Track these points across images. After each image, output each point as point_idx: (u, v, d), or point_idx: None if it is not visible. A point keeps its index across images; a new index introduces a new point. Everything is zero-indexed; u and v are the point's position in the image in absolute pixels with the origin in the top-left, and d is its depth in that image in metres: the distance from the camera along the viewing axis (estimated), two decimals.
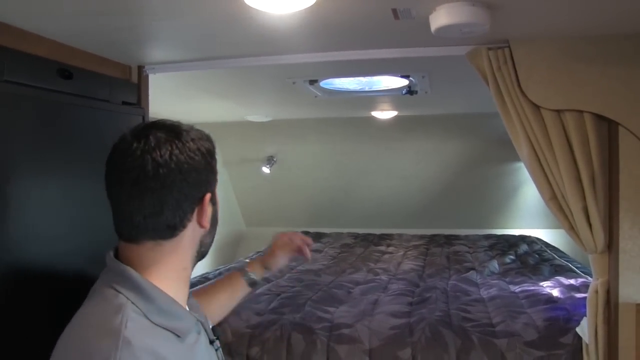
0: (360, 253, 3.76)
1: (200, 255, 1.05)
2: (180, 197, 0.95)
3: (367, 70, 2.25)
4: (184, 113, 3.88)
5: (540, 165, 1.62)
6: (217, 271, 3.06)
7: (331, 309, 2.10)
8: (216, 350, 1.09)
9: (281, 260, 1.63)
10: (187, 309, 1.05)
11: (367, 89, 2.70)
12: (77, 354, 0.85)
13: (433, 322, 1.87)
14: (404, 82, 2.46)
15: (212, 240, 1.07)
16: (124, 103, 1.87)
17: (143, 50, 1.86)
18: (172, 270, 0.99)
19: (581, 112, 1.57)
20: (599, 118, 1.58)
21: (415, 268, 3.03)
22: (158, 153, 0.93)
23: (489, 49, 1.62)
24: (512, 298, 2.20)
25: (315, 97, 2.82)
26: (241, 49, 1.85)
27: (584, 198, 1.57)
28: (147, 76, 2.01)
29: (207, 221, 1.00)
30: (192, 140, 0.97)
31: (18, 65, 1.41)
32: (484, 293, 2.33)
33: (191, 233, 0.99)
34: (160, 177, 0.93)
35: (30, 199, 1.42)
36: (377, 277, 2.76)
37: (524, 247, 3.70)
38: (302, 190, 5.26)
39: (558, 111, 1.58)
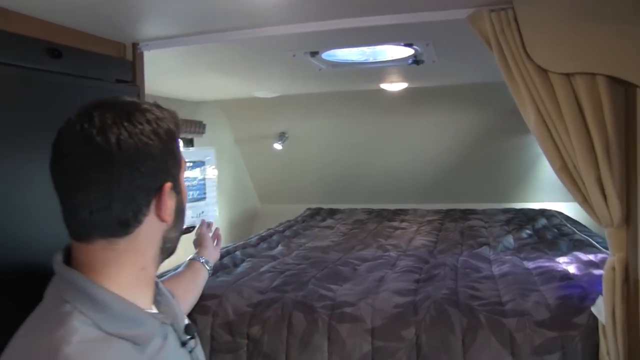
0: (373, 229, 3.69)
1: (166, 252, 0.95)
2: (131, 188, 0.83)
3: (368, 39, 2.15)
4: (190, 91, 3.86)
5: (550, 133, 1.51)
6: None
7: (334, 287, 2.04)
8: (190, 352, 0.98)
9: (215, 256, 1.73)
10: (154, 310, 0.97)
11: (371, 59, 2.60)
12: None
13: (439, 300, 1.80)
14: (410, 51, 2.37)
15: (180, 233, 0.97)
16: (118, 81, 1.82)
17: (136, 27, 1.80)
18: (129, 272, 0.88)
19: (593, 75, 1.44)
20: (613, 81, 1.45)
21: (427, 244, 2.95)
22: (103, 137, 0.81)
23: (491, 10, 1.51)
24: (524, 275, 2.11)
25: (319, 70, 2.73)
26: (236, 21, 1.77)
27: (597, 167, 1.45)
28: (141, 53, 1.96)
29: (168, 214, 0.89)
30: (148, 121, 0.85)
31: (3, 46, 1.37)
32: (496, 270, 2.24)
33: (149, 228, 0.88)
34: (105, 166, 0.81)
35: (19, 182, 1.39)
36: (386, 253, 2.69)
37: (542, 222, 3.57)
38: (315, 166, 5.21)
39: (567, 75, 1.45)
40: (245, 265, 2.51)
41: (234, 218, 5.34)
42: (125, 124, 0.83)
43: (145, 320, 0.88)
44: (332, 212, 4.72)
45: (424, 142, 4.73)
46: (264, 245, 3.13)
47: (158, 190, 0.87)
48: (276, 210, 5.45)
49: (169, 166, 0.89)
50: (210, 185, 2.35)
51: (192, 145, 4.49)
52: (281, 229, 3.80)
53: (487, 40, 1.56)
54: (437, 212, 4.37)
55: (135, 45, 1.92)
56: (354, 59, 2.62)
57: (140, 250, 0.89)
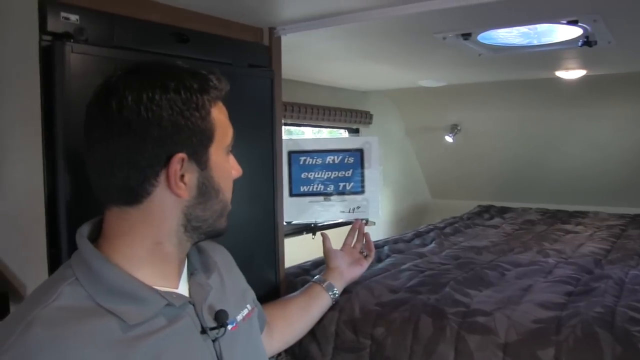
0: (541, 231, 3.36)
1: (197, 231, 0.90)
2: (133, 155, 0.80)
3: (521, 17, 1.91)
4: (355, 80, 3.84)
5: None
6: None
7: (473, 292, 1.86)
8: (214, 340, 0.91)
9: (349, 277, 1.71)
10: (180, 290, 0.92)
11: (535, 42, 2.33)
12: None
13: (589, 319, 1.52)
14: (579, 31, 2.07)
15: (214, 214, 0.90)
16: (250, 65, 1.82)
17: (272, 10, 1.77)
18: (141, 245, 0.85)
19: None
20: None
21: (597, 252, 2.59)
22: (106, 99, 0.81)
23: None
24: None
25: (480, 55, 2.52)
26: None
27: None
28: (279, 38, 1.94)
29: (182, 189, 0.84)
30: (164, 88, 0.81)
31: (128, 31, 1.40)
32: None
33: (162, 201, 0.84)
34: (106, 129, 0.80)
35: None
36: (545, 259, 2.40)
37: None
38: (488, 161, 4.93)
39: None
40: (388, 260, 2.41)
41: (403, 212, 5.26)
42: (135, 88, 0.81)
43: (145, 298, 0.84)
44: (502, 211, 4.43)
45: (612, 137, 4.21)
46: (417, 241, 3.00)
47: (167, 161, 0.83)
48: (448, 206, 5.27)
49: (183, 136, 0.83)
50: (370, 178, 2.11)
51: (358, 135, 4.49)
52: (442, 225, 3.62)
53: None
54: (621, 216, 3.86)
55: (272, 30, 1.91)
56: (515, 42, 2.36)
57: (153, 223, 0.86)
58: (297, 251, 2.38)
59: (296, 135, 4.08)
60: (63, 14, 1.23)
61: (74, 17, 1.24)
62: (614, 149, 4.26)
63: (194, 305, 0.92)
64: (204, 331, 0.92)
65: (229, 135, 0.93)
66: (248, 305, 1.13)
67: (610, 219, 3.78)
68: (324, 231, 1.82)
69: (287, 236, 2.02)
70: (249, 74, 1.79)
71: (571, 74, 3.12)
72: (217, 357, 0.93)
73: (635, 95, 3.75)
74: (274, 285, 1.86)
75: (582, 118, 4.20)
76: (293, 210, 2.01)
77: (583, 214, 4.08)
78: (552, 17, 1.92)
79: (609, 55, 2.58)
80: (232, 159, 0.97)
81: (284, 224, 1.97)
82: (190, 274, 0.99)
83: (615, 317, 1.55)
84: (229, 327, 0.97)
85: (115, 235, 0.86)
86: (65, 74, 1.21)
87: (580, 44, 2.19)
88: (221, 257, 1.16)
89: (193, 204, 0.88)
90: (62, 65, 1.20)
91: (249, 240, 1.75)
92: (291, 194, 2.03)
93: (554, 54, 2.58)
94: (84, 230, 0.88)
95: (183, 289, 0.94)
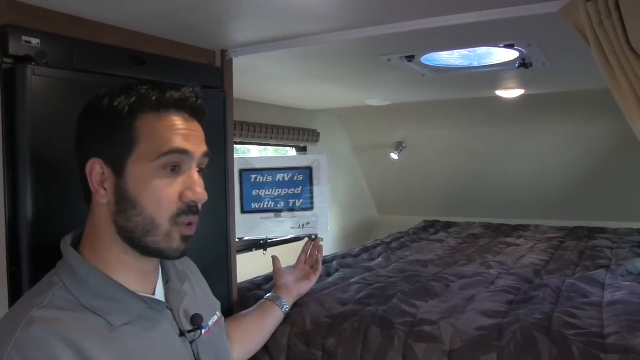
0: (484, 244, 3.47)
1: (132, 242, 0.90)
2: (79, 147, 0.91)
3: (461, 41, 2.02)
4: (303, 99, 3.89)
5: None
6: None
7: (419, 303, 1.92)
8: (191, 342, 0.97)
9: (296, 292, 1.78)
10: (157, 295, 0.96)
11: (475, 64, 2.45)
12: None
13: (527, 325, 1.61)
14: (515, 53, 2.19)
15: (138, 227, 0.89)
16: (204, 87, 1.84)
17: (225, 33, 1.82)
18: (101, 248, 0.90)
19: None
20: None
21: (537, 263, 2.71)
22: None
23: (587, 0, 1.34)
24: None
25: (423, 76, 2.62)
26: (322, 24, 1.73)
27: None
28: (230, 60, 1.99)
29: (100, 194, 0.88)
30: (113, 94, 0.89)
31: (87, 54, 1.44)
32: (607, 296, 1.97)
33: (96, 205, 0.90)
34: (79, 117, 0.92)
35: None
36: (488, 270, 2.50)
37: None
38: (434, 177, 5.05)
39: None
40: (337, 275, 2.45)
41: (350, 228, 5.32)
42: (105, 91, 0.90)
43: (126, 301, 0.88)
44: (447, 225, 4.54)
45: (551, 153, 4.40)
46: (365, 256, 3.06)
47: (85, 161, 0.89)
48: (394, 222, 5.35)
49: (106, 141, 0.87)
50: (319, 195, 2.16)
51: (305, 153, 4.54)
52: (388, 240, 3.70)
53: (582, 34, 1.38)
54: (560, 229, 4.03)
55: (224, 52, 1.95)
56: (456, 63, 2.48)
57: (97, 226, 0.91)
58: (248, 267, 2.40)
59: (242, 153, 4.10)
60: (24, 38, 1.25)
61: (35, 41, 1.27)
62: (553, 164, 4.45)
63: (171, 310, 0.97)
64: (181, 334, 0.97)
65: (164, 149, 0.90)
66: (217, 313, 1.19)
67: (550, 232, 3.94)
68: (274, 254, 1.90)
69: (238, 252, 2.05)
70: (202, 95, 1.82)
71: (510, 93, 3.27)
72: (195, 358, 0.99)
73: (571, 113, 3.94)
74: (226, 300, 1.88)
75: (522, 135, 4.38)
76: (245, 226, 2.04)
77: (525, 227, 4.23)
78: (490, 41, 2.03)
79: (545, 76, 2.72)
80: (189, 179, 0.93)
81: (236, 240, 1.99)
82: (166, 282, 1.03)
83: (552, 323, 1.65)
84: (203, 331, 1.02)
85: (87, 237, 0.92)
86: (27, 96, 1.23)
87: (517, 65, 2.32)
88: (189, 268, 1.21)
89: (115, 212, 0.89)
90: (23, 87, 1.23)
91: (203, 256, 1.76)
92: (243, 211, 2.06)
93: (494, 74, 2.71)
94: (68, 239, 0.92)
95: (159, 295, 0.99)
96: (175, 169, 0.91)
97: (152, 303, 0.93)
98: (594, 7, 1.32)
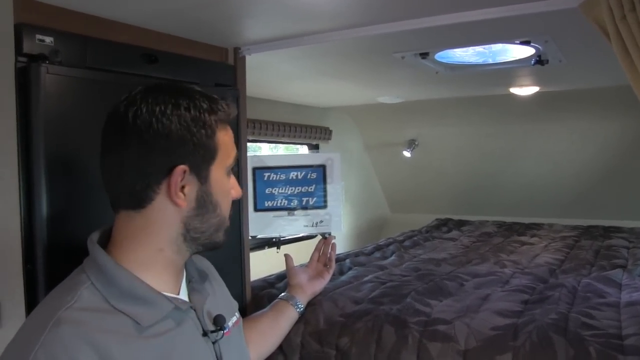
0: (497, 243, 3.45)
1: (195, 242, 0.95)
2: (140, 162, 0.87)
3: (475, 38, 2.00)
4: (315, 97, 3.88)
5: None
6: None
7: (433, 302, 1.91)
8: (214, 342, 0.98)
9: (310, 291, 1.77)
10: (181, 295, 0.96)
11: (490, 61, 2.42)
12: (21, 332, 0.83)
13: (543, 325, 1.59)
14: (531, 50, 2.16)
15: (211, 227, 0.96)
16: (217, 85, 1.84)
17: (237, 31, 1.81)
18: (144, 250, 0.91)
19: None
20: None
21: (551, 262, 2.68)
22: (124, 110, 0.88)
23: None
24: None
25: (437, 73, 2.60)
26: (335, 21, 1.71)
27: None
28: (243, 57, 1.98)
29: (181, 199, 0.90)
30: (176, 104, 0.88)
31: (100, 52, 1.44)
32: (625, 297, 1.95)
33: (162, 209, 0.90)
34: (119, 135, 0.88)
35: None
36: (502, 269, 2.48)
37: None
38: (446, 175, 5.02)
39: None
40: (350, 273, 2.44)
41: (363, 226, 5.30)
42: (151, 102, 0.88)
43: (154, 301, 0.89)
44: (460, 224, 4.52)
45: (566, 151, 4.36)
46: (377, 254, 3.05)
47: (170, 171, 0.89)
48: (406, 220, 5.32)
49: (187, 150, 0.90)
50: (333, 193, 2.14)
51: (317, 151, 4.53)
52: (401, 238, 3.68)
53: (603, 29, 1.35)
54: (575, 228, 3.99)
55: (236, 50, 1.94)
56: (471, 60, 2.45)
57: (154, 229, 0.92)
58: (261, 265, 2.39)
59: (253, 151, 4.10)
60: (38, 36, 1.26)
61: (48, 39, 1.28)
62: (567, 163, 4.41)
63: (194, 310, 0.99)
64: (204, 334, 0.99)
65: (232, 156, 0.99)
66: (236, 314, 1.21)
67: (564, 231, 3.91)
68: (287, 252, 1.88)
69: (251, 250, 2.04)
70: (216, 93, 1.81)
71: (525, 90, 3.24)
72: (217, 358, 1.01)
73: (586, 110, 3.90)
74: (240, 298, 1.88)
75: (536, 133, 4.34)
76: (258, 224, 2.04)
77: (538, 226, 4.20)
78: (506, 38, 2.01)
79: (561, 73, 2.69)
80: (232, 180, 1.02)
81: (249, 238, 1.99)
82: (189, 282, 1.06)
83: (568, 323, 1.62)
84: (225, 331, 1.04)
85: (122, 240, 0.92)
86: (41, 94, 1.23)
87: (532, 62, 2.30)
88: (208, 268, 1.23)
89: (191, 215, 0.93)
90: (38, 85, 1.23)
91: (217, 254, 1.76)
92: (256, 209, 2.05)
93: (508, 71, 2.68)
94: (94, 236, 0.93)
95: (183, 295, 1.01)
96: (230, 173, 1.02)
97: (179, 303, 0.94)
98: (617, 0, 1.30)
